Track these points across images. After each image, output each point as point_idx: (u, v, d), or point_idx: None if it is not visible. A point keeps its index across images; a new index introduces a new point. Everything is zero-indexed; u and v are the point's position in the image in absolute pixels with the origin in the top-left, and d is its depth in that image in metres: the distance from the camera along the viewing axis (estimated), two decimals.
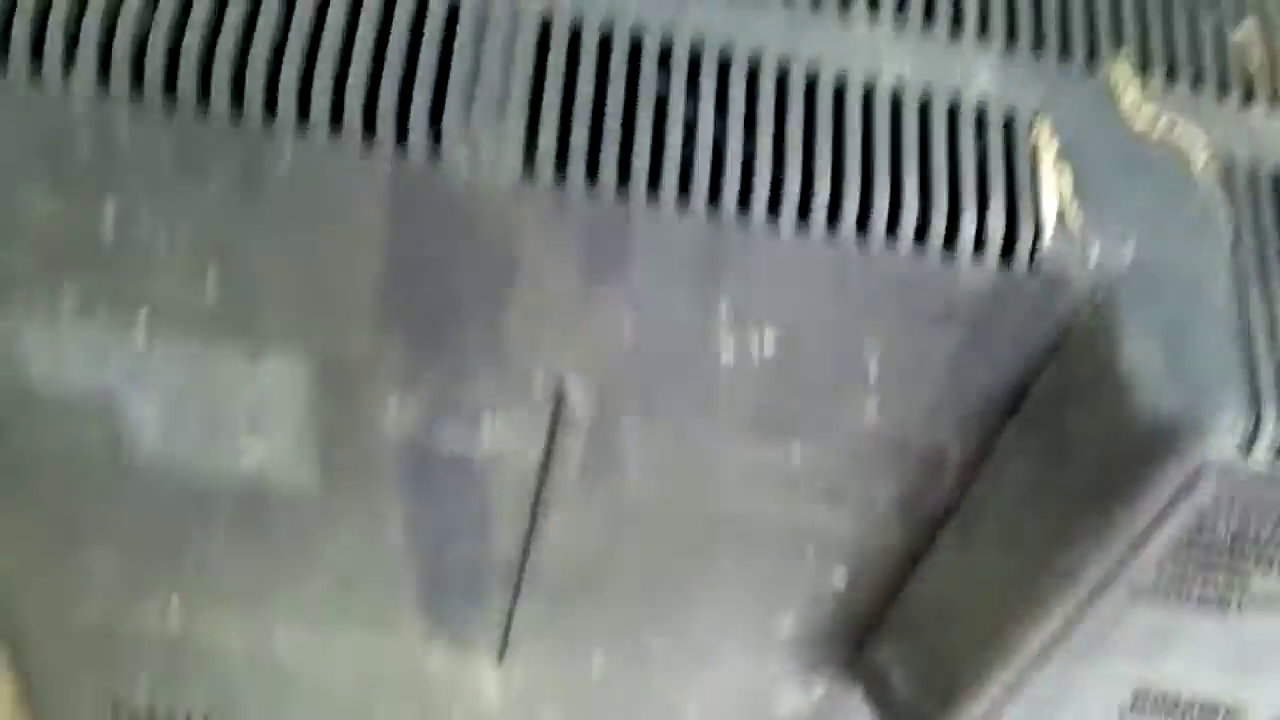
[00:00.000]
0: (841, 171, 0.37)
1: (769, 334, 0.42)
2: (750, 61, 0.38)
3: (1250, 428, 0.37)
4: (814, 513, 0.50)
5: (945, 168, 0.38)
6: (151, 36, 0.35)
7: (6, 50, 0.34)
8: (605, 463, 0.48)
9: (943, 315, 0.41)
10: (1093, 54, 0.41)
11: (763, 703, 0.62)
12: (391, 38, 0.36)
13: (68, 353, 0.44)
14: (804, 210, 0.37)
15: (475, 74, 0.36)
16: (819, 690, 0.61)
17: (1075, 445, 0.41)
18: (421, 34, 0.37)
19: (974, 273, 0.39)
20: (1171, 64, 0.41)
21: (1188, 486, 0.39)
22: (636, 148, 0.37)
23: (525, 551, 0.52)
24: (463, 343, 0.43)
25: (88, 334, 0.43)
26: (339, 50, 0.36)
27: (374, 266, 0.40)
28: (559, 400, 0.45)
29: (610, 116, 0.37)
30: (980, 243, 0.38)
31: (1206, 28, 0.42)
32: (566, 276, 0.40)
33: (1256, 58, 0.42)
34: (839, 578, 0.53)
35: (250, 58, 0.35)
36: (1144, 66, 0.41)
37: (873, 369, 0.43)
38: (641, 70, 0.38)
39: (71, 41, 0.35)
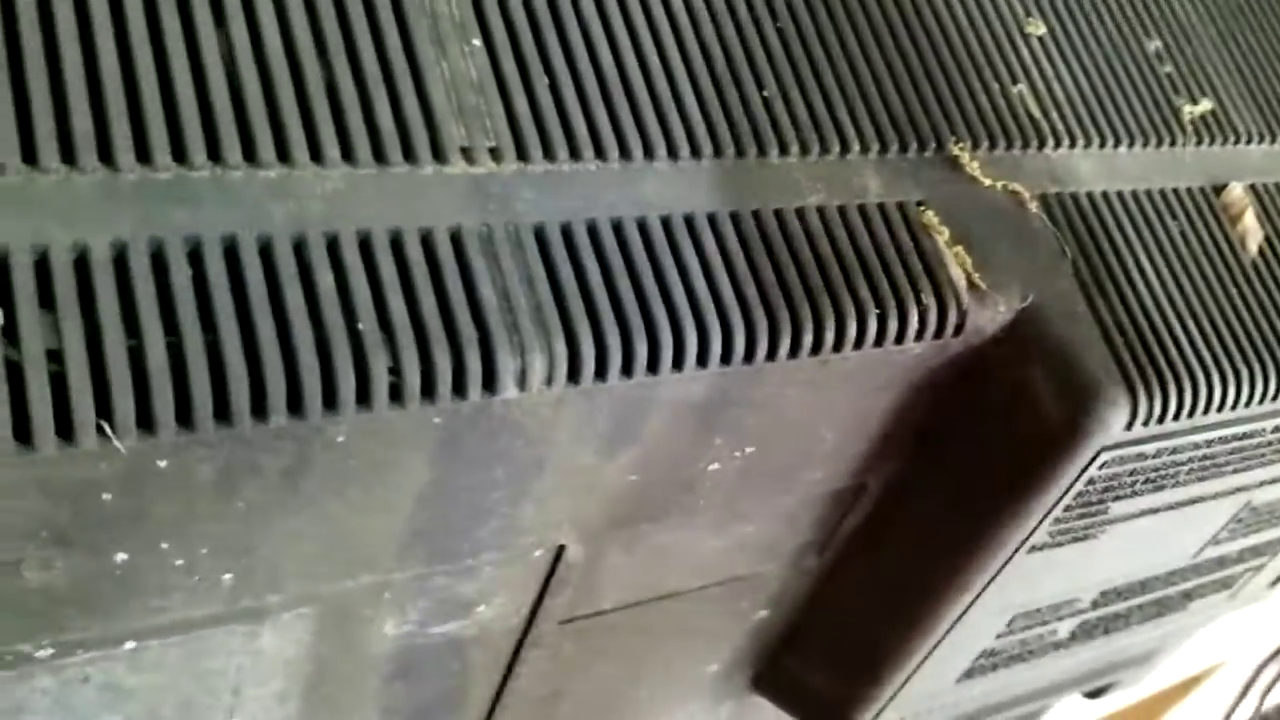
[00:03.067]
0: (817, 300, 0.42)
1: (749, 446, 0.45)
2: (689, 220, 0.41)
3: (1131, 412, 0.47)
4: (752, 569, 0.54)
5: (883, 272, 0.43)
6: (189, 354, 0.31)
7: (29, 433, 0.29)
8: (583, 603, 0.49)
9: (885, 384, 0.46)
10: (940, 143, 0.48)
11: None
12: (415, 282, 0.35)
13: (30, 701, 0.38)
14: (795, 347, 0.41)
15: (507, 297, 0.36)
16: (725, 710, 0.66)
17: (993, 455, 0.49)
18: (441, 273, 0.36)
19: (914, 349, 0.45)
20: (990, 132, 0.49)
21: (1088, 467, 0.48)
22: (660, 336, 0.38)
23: (494, 706, 0.53)
24: (478, 543, 0.42)
25: (60, 677, 0.37)
26: (376, 314, 0.34)
27: (408, 506, 0.39)
28: (555, 564, 0.46)
29: (630, 310, 0.38)
30: (921, 329, 0.44)
31: (1001, 98, 0.50)
32: (586, 454, 0.41)
33: (1034, 109, 0.51)
34: (763, 615, 0.58)
35: (299, 353, 0.33)
36: (975, 141, 0.49)
37: (825, 443, 0.48)
38: (631, 251, 0.39)
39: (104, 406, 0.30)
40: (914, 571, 0.55)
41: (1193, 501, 0.58)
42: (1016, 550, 0.52)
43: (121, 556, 0.33)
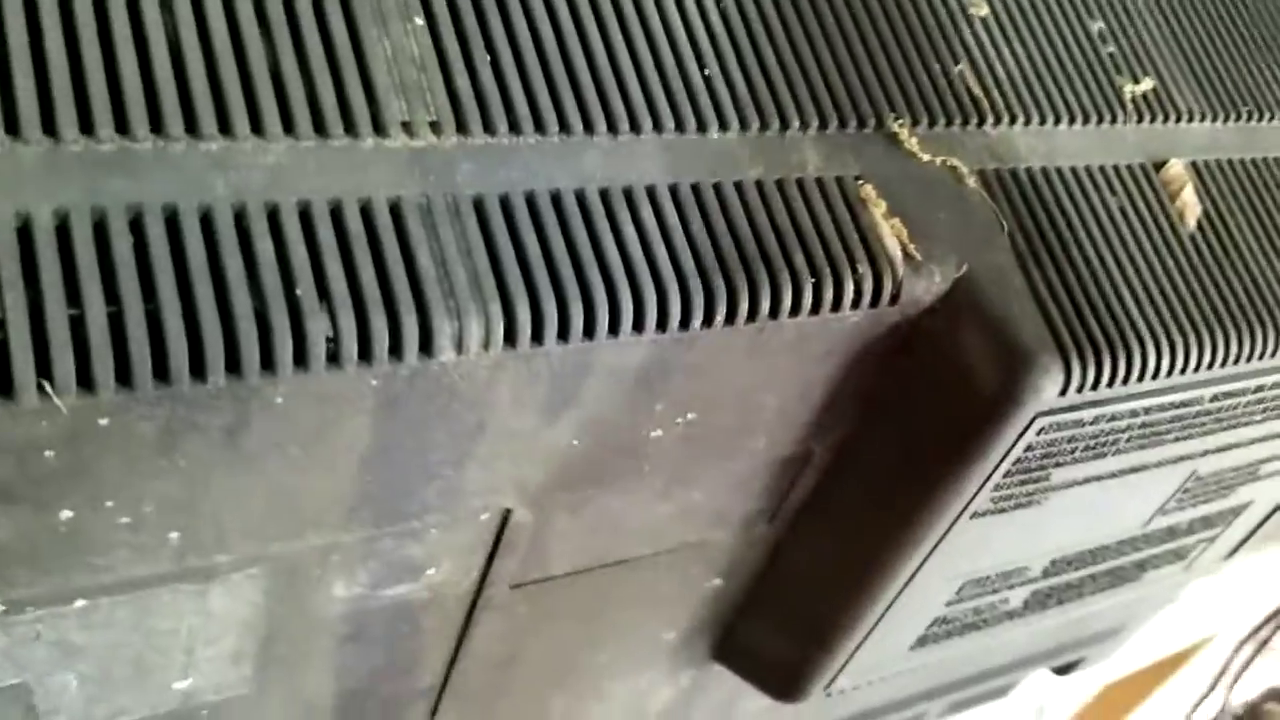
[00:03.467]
0: (752, 270, 0.43)
1: (690, 412, 0.47)
2: (628, 192, 0.42)
3: (1065, 379, 0.48)
4: (702, 536, 0.56)
5: (819, 243, 0.45)
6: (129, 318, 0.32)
7: None
8: (533, 567, 0.51)
9: (825, 353, 0.48)
10: (879, 120, 0.49)
11: (640, 705, 0.68)
12: (353, 250, 0.36)
13: None
14: (731, 314, 0.43)
15: (444, 265, 0.37)
16: (685, 678, 0.68)
17: (932, 422, 0.51)
18: (379, 242, 0.37)
19: (852, 318, 0.46)
20: (929, 109, 0.50)
21: (1025, 432, 0.50)
22: (595, 302, 0.40)
23: (449, 671, 0.54)
24: (423, 505, 0.43)
25: (12, 635, 0.39)
26: (315, 280, 0.35)
27: (351, 468, 0.40)
28: (502, 527, 0.47)
29: (565, 277, 0.39)
30: (857, 297, 0.45)
31: (942, 76, 0.51)
32: (527, 418, 0.42)
33: (975, 88, 0.52)
34: (716, 583, 0.60)
35: (234, 307, 0.34)
36: (914, 118, 0.50)
37: (767, 410, 0.49)
38: (569, 221, 0.40)
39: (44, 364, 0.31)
40: (860, 538, 0.56)
41: (1136, 470, 0.59)
42: (959, 516, 0.54)
43: (66, 514, 0.35)
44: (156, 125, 0.35)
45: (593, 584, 0.54)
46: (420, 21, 0.41)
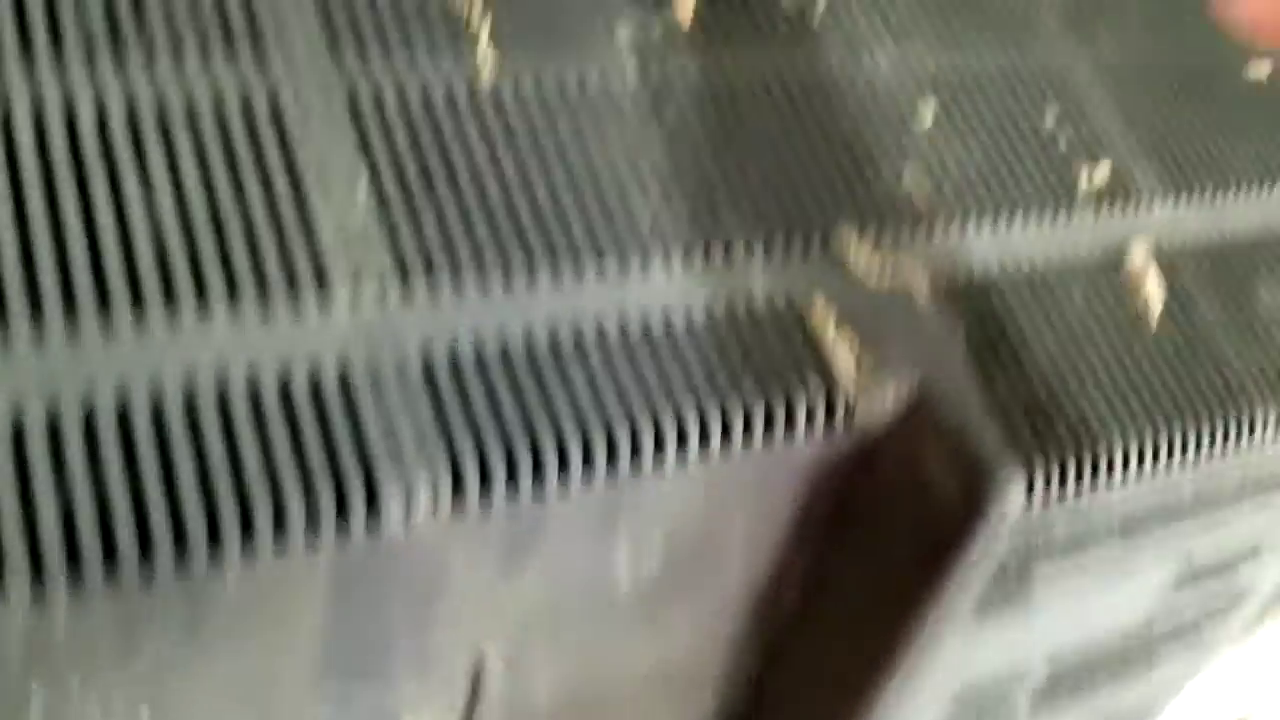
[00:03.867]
0: (702, 403, 0.44)
1: (657, 546, 0.47)
2: (576, 334, 0.43)
3: (1028, 486, 0.48)
4: (684, 670, 0.56)
5: (769, 368, 0.45)
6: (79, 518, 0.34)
7: None
8: (510, 710, 0.51)
9: (788, 476, 0.48)
10: (827, 236, 0.50)
11: None
12: (301, 424, 0.37)
13: None
14: (683, 449, 0.43)
15: (390, 429, 0.38)
16: None
17: (902, 537, 0.51)
18: (325, 409, 0.38)
19: (809, 441, 0.47)
20: (877, 220, 0.51)
21: (995, 540, 0.50)
22: (544, 456, 0.40)
23: None
24: (390, 668, 0.44)
25: None
26: (263, 463, 0.36)
27: (311, 644, 0.41)
28: (476, 678, 0.47)
29: (514, 429, 0.40)
30: (811, 420, 0.46)
31: (890, 183, 0.52)
32: (486, 571, 0.43)
33: (922, 193, 0.53)
34: (705, 700, 0.60)
35: (182, 500, 0.35)
36: (862, 230, 0.51)
37: (736, 536, 0.50)
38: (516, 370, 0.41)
39: None
40: (848, 660, 0.56)
41: (1124, 563, 0.59)
42: (944, 628, 0.54)
43: (37, 703, 0.35)
44: (104, 308, 0.36)
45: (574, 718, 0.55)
46: (364, 186, 0.42)
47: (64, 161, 0.38)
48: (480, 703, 0.48)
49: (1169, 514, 0.57)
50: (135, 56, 0.41)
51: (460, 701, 0.48)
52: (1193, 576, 0.65)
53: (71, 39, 0.41)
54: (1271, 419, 0.56)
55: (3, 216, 0.37)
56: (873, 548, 0.52)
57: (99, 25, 0.41)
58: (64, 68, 0.40)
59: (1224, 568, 0.67)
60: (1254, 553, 0.68)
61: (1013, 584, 0.55)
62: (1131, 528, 0.56)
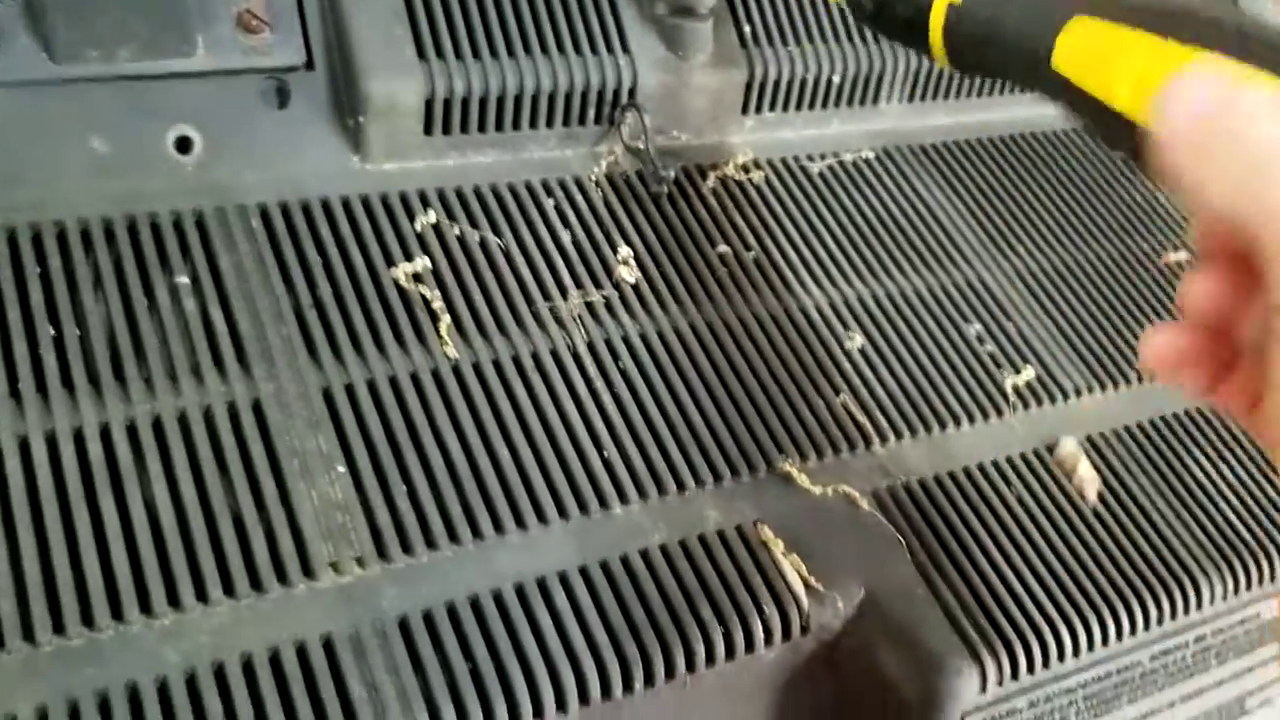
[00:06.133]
0: (663, 632, 0.48)
1: None
2: (541, 582, 0.48)
3: (980, 677, 0.52)
4: None
5: (725, 592, 0.50)
6: None
7: None
8: None
9: (754, 689, 0.52)
10: (770, 463, 0.55)
11: None
12: (291, 692, 0.42)
13: None
14: (649, 677, 0.47)
15: (375, 688, 0.43)
16: None
17: None
18: (314, 679, 0.42)
19: (769, 655, 0.51)
20: (816, 444, 0.56)
21: None
22: (517, 695, 0.45)
23: None
24: None
25: None
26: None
27: None
28: None
29: (487, 676, 0.44)
30: (768, 636, 0.50)
31: (825, 410, 0.58)
32: None
33: (858, 414, 0.58)
34: None
35: None
36: (803, 455, 0.56)
37: None
38: (488, 622, 0.46)
39: None
40: None
41: None
42: None
43: None
44: (117, 613, 0.42)
45: None
46: (342, 469, 0.48)
47: (75, 481, 0.44)
48: None
49: (1134, 687, 0.60)
50: (137, 387, 0.48)
51: None
52: None
53: (79, 376, 0.47)
54: (1218, 589, 0.59)
55: (26, 534, 0.42)
56: None
57: (104, 365, 0.48)
58: (75, 403, 0.46)
59: None
60: (1241, 709, 0.70)
61: None
62: (1097, 704, 0.59)
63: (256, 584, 0.44)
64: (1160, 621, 0.57)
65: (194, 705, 0.40)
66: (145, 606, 0.42)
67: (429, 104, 0.60)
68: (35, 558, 0.42)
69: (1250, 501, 0.63)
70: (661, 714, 0.49)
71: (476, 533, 0.48)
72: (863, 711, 0.53)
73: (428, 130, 0.61)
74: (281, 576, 0.44)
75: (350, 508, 0.47)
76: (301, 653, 0.43)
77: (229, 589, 0.43)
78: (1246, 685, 0.68)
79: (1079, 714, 0.58)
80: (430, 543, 0.47)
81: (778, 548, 0.52)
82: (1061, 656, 0.54)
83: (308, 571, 0.45)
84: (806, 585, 0.51)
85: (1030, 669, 0.53)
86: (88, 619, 0.41)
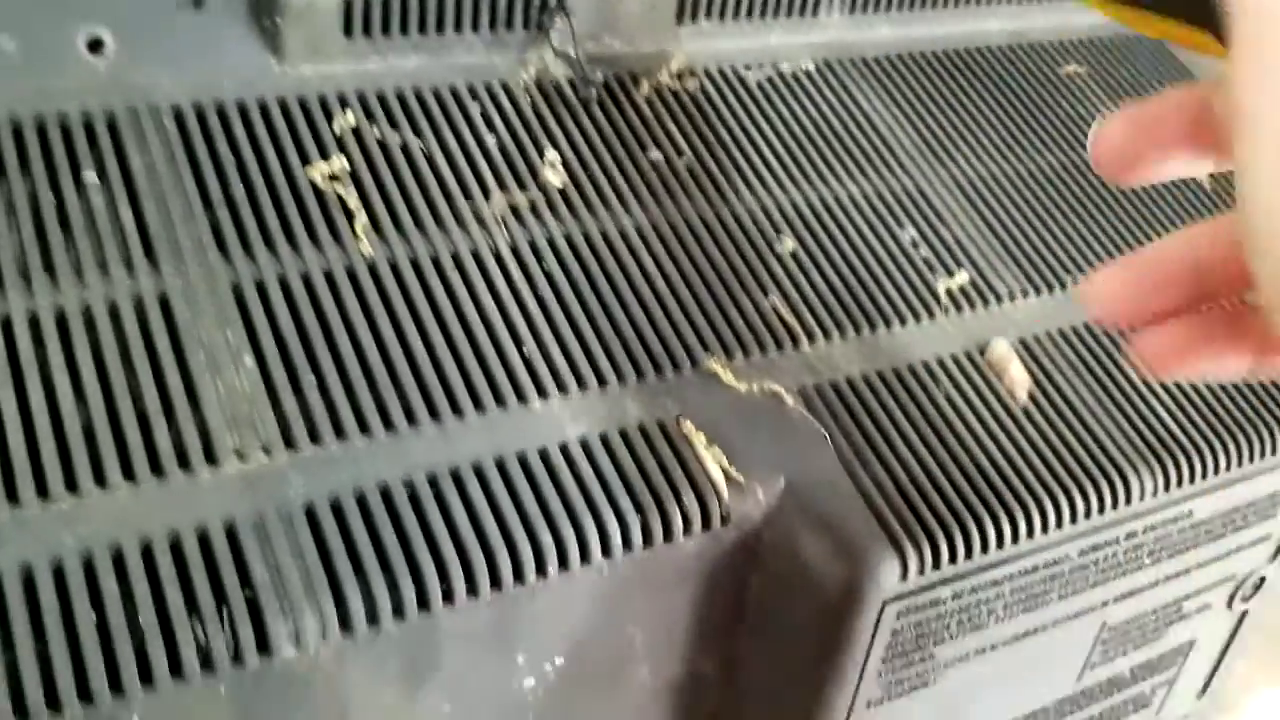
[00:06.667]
0: (579, 519, 0.48)
1: (558, 656, 0.50)
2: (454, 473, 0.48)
3: (901, 565, 0.52)
4: None
5: (644, 482, 0.49)
6: None
7: None
8: None
9: (677, 580, 0.52)
10: (694, 361, 0.55)
11: None
12: (191, 573, 0.41)
13: None
14: (563, 562, 0.47)
15: (278, 570, 0.42)
16: None
17: (795, 626, 0.54)
18: (215, 561, 0.42)
19: (691, 544, 0.50)
20: (743, 343, 0.56)
21: (881, 620, 0.53)
22: (425, 578, 0.44)
23: None
24: None
25: None
26: (158, 612, 0.40)
27: None
28: None
29: (395, 561, 0.44)
30: (687, 525, 0.50)
31: (754, 311, 0.57)
32: (387, 696, 0.46)
33: (787, 315, 0.58)
34: None
35: (84, 654, 0.39)
36: (729, 354, 0.55)
37: (637, 642, 0.53)
38: (399, 511, 0.46)
39: None
40: None
41: (1033, 632, 0.62)
42: (853, 711, 0.56)
43: None
44: (12, 495, 0.41)
45: None
46: (250, 362, 0.48)
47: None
48: None
49: (1064, 582, 0.60)
50: (40, 281, 0.47)
51: None
52: (1115, 642, 0.67)
53: None
54: (1148, 485, 0.59)
55: None
56: (777, 639, 0.55)
57: (7, 260, 0.47)
58: None
59: (1150, 630, 0.69)
60: (1178, 613, 0.70)
61: (917, 664, 0.57)
62: (1027, 599, 0.59)
63: (158, 469, 0.43)
64: (1088, 515, 0.57)
65: (90, 587, 0.40)
66: (42, 490, 0.42)
67: (348, 4, 0.59)
68: None
69: (1184, 400, 0.62)
70: (582, 601, 0.49)
71: (388, 424, 0.48)
72: (790, 605, 0.53)
73: (347, 32, 0.60)
74: (184, 463, 0.44)
75: (257, 398, 0.47)
76: (203, 538, 0.42)
77: (129, 474, 0.43)
78: (1183, 588, 0.69)
79: (1006, 607, 0.59)
80: (340, 432, 0.47)
81: (699, 441, 0.52)
82: (985, 547, 0.54)
83: (211, 458, 0.44)
84: (727, 477, 0.51)
85: (953, 559, 0.53)
86: None
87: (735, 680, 0.58)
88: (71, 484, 0.42)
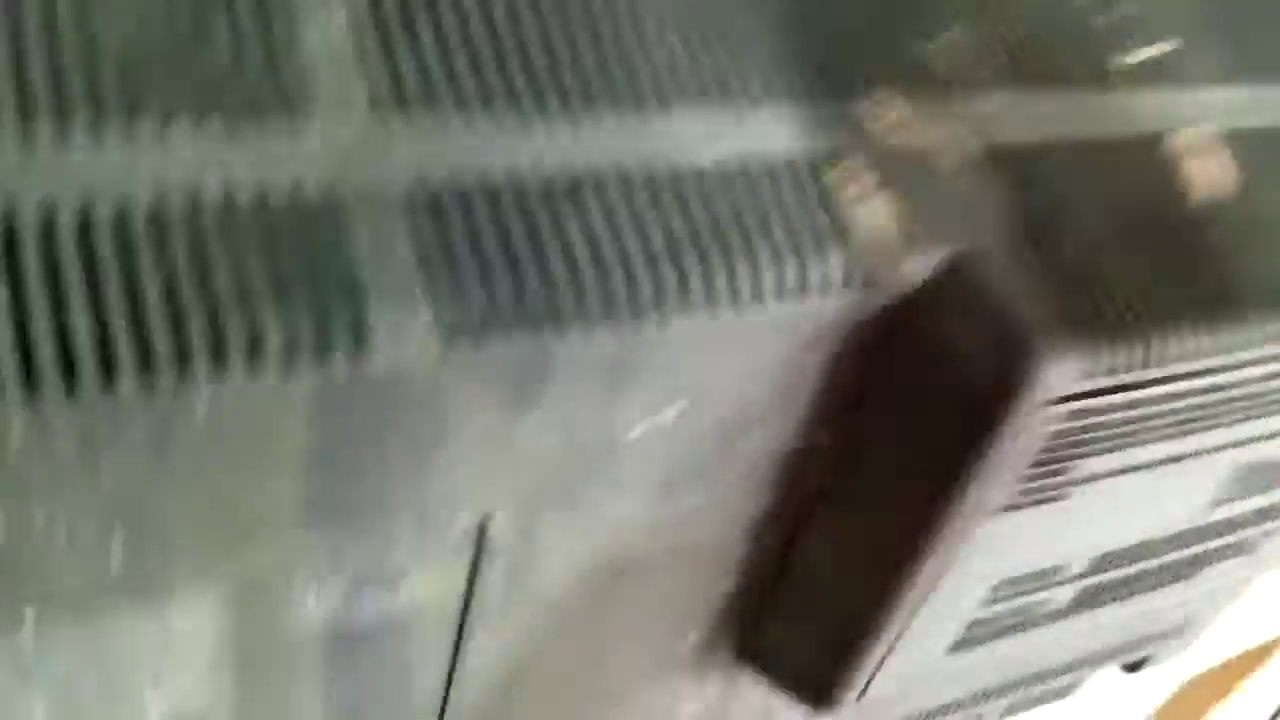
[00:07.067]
0: (707, 255, 0.40)
1: (672, 407, 0.44)
2: (594, 176, 0.40)
3: (1070, 363, 0.45)
4: (708, 537, 0.53)
5: (783, 226, 0.42)
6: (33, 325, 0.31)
7: None
8: (522, 577, 0.48)
9: (810, 341, 0.45)
10: (861, 95, 0.46)
11: (669, 715, 0.65)
12: (281, 240, 0.35)
13: None
14: (684, 301, 0.40)
15: (377, 260, 0.36)
16: (713, 687, 0.65)
17: (937, 413, 0.48)
18: (311, 228, 0.35)
19: (833, 303, 0.43)
20: (916, 84, 0.47)
21: (1037, 423, 0.46)
22: (546, 291, 0.38)
23: (447, 691, 0.52)
24: (386, 515, 0.42)
25: None
26: (236, 282, 0.34)
27: (295, 477, 0.38)
28: (481, 535, 0.45)
29: (504, 270, 0.37)
30: (826, 281, 0.42)
31: (933, 48, 0.48)
32: (489, 420, 0.40)
33: (964, 59, 0.49)
34: (729, 583, 0.57)
35: (149, 320, 0.32)
36: (896, 92, 0.47)
37: (758, 403, 0.47)
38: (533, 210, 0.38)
39: None
40: (878, 538, 0.53)
41: (1176, 460, 0.55)
42: (981, 513, 0.50)
43: None
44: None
45: (591, 593, 0.52)
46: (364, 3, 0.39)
47: None
48: (484, 566, 0.45)
49: (1226, 410, 0.53)
50: None
51: (463, 567, 0.45)
52: (1248, 481, 0.61)
53: None
54: None
55: None
56: (910, 425, 0.49)
57: None
58: None
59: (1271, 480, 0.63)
60: None
61: (1057, 476, 0.51)
62: (1185, 422, 0.52)
63: (248, 114, 0.36)
64: (1276, 338, 0.50)
65: (157, 241, 0.33)
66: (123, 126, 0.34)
67: None
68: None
69: None
70: (703, 349, 0.43)
71: (516, 104, 0.40)
72: (929, 393, 0.46)
73: None
74: (285, 107, 0.36)
75: (369, 45, 0.39)
76: (294, 198, 0.35)
77: (201, 115, 0.35)
78: None
79: (1163, 429, 0.52)
80: (461, 103, 0.39)
81: (856, 187, 0.44)
82: (1162, 359, 0.47)
83: (307, 113, 0.37)
84: (885, 233, 0.43)
85: (1130, 364, 0.46)
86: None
87: (851, 457, 0.52)
88: (166, 118, 0.34)
